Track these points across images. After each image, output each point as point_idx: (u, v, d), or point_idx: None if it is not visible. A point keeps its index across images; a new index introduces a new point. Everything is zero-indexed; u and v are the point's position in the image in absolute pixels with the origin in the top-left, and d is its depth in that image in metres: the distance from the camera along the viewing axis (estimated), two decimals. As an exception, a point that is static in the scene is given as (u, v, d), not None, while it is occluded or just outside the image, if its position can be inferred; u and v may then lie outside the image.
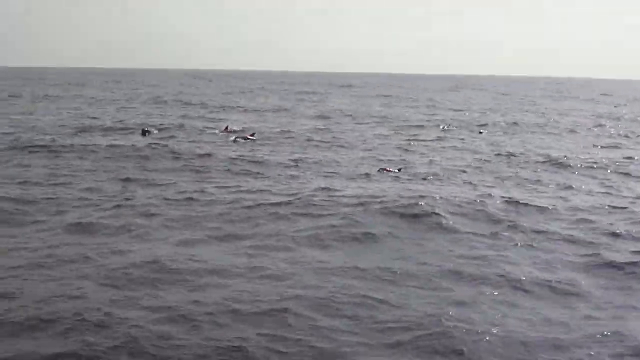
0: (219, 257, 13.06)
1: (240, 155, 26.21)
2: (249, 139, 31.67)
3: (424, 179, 22.43)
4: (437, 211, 16.69)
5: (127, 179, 20.91)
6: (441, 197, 18.76)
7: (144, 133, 32.56)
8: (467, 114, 55.64)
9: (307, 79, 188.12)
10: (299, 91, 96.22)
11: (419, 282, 12.01)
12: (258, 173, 22.77)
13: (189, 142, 30.46)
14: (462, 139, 35.72)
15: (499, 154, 29.01)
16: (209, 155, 26.05)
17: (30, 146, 26.67)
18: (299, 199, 18.20)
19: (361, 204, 17.45)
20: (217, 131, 35.03)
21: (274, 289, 11.36)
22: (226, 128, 34.90)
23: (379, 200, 17.95)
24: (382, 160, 26.49)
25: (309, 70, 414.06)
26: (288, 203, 17.60)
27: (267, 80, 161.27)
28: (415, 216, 16.40)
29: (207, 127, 36.78)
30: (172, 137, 32.14)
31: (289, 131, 35.93)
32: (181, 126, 36.77)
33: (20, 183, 19.87)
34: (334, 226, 15.51)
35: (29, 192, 18.44)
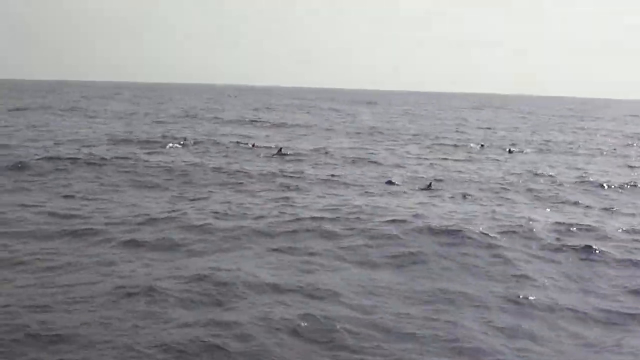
0: (271, 273, 13.11)
1: (281, 170, 26.41)
2: (282, 154, 31.88)
3: (464, 197, 22.43)
4: (482, 230, 16.68)
5: (172, 194, 21.11)
6: (484, 217, 18.79)
7: (181, 144, 33.42)
8: (496, 132, 55.59)
9: (331, 95, 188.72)
10: (325, 108, 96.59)
11: (472, 305, 11.85)
12: (298, 188, 22.82)
13: (225, 157, 30.71)
14: (496, 158, 35.59)
15: (535, 174, 28.88)
16: (248, 170, 26.22)
17: (69, 159, 26.85)
18: (341, 215, 18.25)
19: (403, 222, 17.45)
20: (250, 145, 35.36)
21: (329, 307, 11.34)
22: (253, 145, 35.14)
23: (421, 219, 17.97)
24: (419, 177, 26.51)
25: (329, 86, 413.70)
26: (332, 219, 17.61)
27: (293, 96, 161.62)
28: (459, 235, 16.25)
29: (240, 142, 37.00)
30: (206, 151, 32.46)
31: (324, 148, 36.10)
32: (216, 142, 36.97)
33: (65, 197, 20.07)
34: (378, 244, 15.51)
35: (76, 207, 18.59)
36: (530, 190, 24.55)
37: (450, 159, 34.10)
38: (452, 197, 22.42)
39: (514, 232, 16.98)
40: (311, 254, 14.73)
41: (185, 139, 36.45)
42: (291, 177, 25.03)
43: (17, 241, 14.70)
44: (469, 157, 36.08)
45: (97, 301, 11.08)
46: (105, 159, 27.54)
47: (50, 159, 26.65)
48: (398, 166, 30.30)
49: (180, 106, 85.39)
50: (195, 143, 35.66)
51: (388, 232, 16.54)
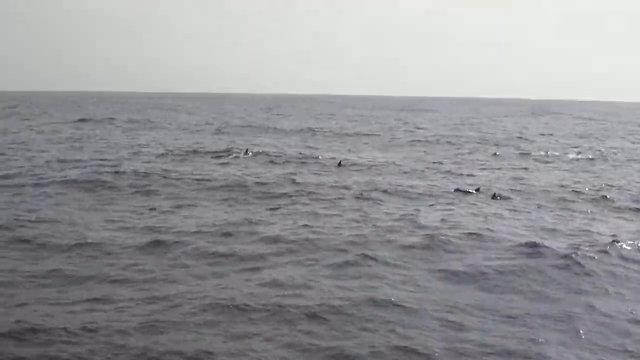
0: (356, 285, 13.21)
1: (355, 182, 26.54)
2: (341, 165, 31.98)
3: (538, 207, 22.24)
4: (560, 244, 16.37)
5: (252, 206, 21.40)
6: (561, 229, 18.59)
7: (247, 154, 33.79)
8: (558, 140, 54.77)
9: (360, 102, 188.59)
10: (375, 115, 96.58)
11: (567, 329, 11.55)
12: (382, 201, 22.74)
13: (295, 167, 31.10)
14: (564, 166, 35.17)
15: (608, 184, 28.21)
16: (317, 182, 26.43)
17: (144, 173, 27.29)
18: (415, 227, 18.41)
19: (478, 235, 17.48)
20: (319, 157, 35.19)
21: (417, 322, 11.42)
22: (318, 157, 33.79)
23: (495, 232, 17.96)
24: (489, 186, 26.23)
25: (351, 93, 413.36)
26: (425, 236, 17.33)
27: (335, 104, 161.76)
28: (538, 252, 15.88)
29: (302, 153, 37.23)
30: (272, 162, 32.88)
31: (389, 157, 36.03)
32: (280, 153, 37.31)
33: (149, 210, 20.49)
34: (457, 257, 15.50)
35: (159, 220, 19.02)
36: (605, 200, 24.09)
37: (519, 167, 33.77)
38: (525, 208, 22.18)
39: (592, 245, 16.63)
40: (388, 264, 14.77)
41: (247, 151, 36.85)
42: (375, 190, 24.90)
43: (110, 257, 15.09)
44: (536, 165, 35.61)
45: (198, 317, 11.28)
46: (179, 171, 28.10)
47: (123, 173, 27.08)
48: (469, 175, 30.10)
49: (239, 116, 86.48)
50: (257, 154, 36.01)
51: (464, 245, 16.56)
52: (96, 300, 12.18)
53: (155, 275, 13.76)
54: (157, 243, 16.22)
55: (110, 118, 70.40)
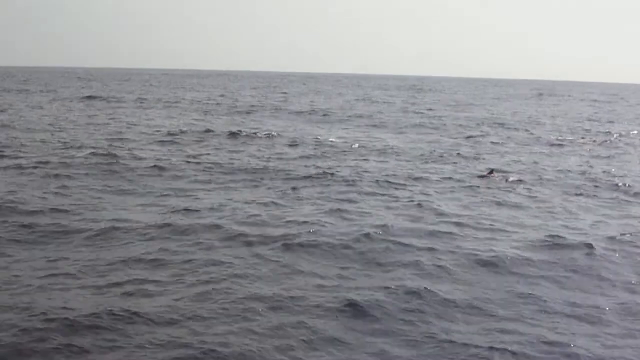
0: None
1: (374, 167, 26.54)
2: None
3: (570, 198, 21.90)
4: (595, 244, 15.86)
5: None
6: (590, 221, 18.52)
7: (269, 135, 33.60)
8: (572, 123, 54.61)
9: (364, 80, 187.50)
10: (380, 96, 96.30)
11: (595, 320, 11.58)
12: (403, 187, 22.76)
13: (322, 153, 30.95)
14: (583, 152, 35.02)
15: (634, 174, 27.64)
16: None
17: (164, 159, 26.90)
18: (450, 219, 18.32)
19: (510, 228, 17.48)
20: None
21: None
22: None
23: (525, 223, 18.01)
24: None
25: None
26: (448, 223, 17.49)
27: (341, 83, 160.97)
28: (561, 243, 15.88)
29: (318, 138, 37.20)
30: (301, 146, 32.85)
31: (404, 142, 36.03)
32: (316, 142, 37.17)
33: (178, 197, 20.26)
34: (494, 251, 15.33)
35: (194, 204, 19.02)
36: (623, 187, 23.94)
37: (534, 152, 33.76)
38: (543, 195, 22.14)
39: (615, 235, 16.64)
40: (414, 252, 14.75)
41: (271, 132, 36.85)
42: (379, 174, 25.06)
43: (142, 240, 15.11)
44: (550, 150, 35.48)
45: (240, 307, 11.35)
46: (204, 155, 28.12)
47: (142, 159, 26.74)
48: (483, 159, 30.09)
49: (247, 94, 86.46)
50: (273, 136, 36.02)
51: (486, 233, 16.66)
52: (136, 282, 12.31)
53: (201, 261, 13.71)
54: (196, 227, 16.13)
55: (115, 97, 70.35)
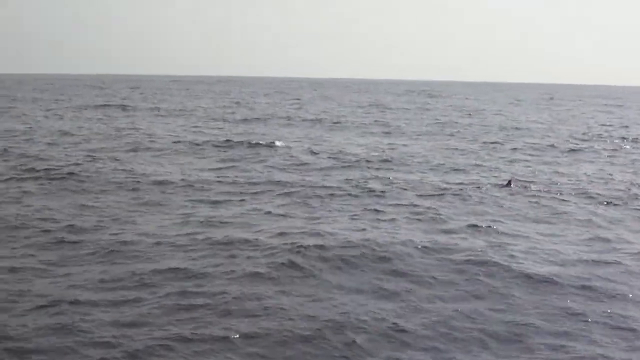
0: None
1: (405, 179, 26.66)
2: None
3: (602, 211, 21.53)
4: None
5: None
6: (625, 239, 18.23)
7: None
8: (593, 129, 54.45)
9: (375, 86, 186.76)
10: (393, 102, 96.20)
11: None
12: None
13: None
14: (609, 161, 34.74)
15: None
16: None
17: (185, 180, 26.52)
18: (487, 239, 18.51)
19: (545, 244, 17.65)
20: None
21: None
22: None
23: (559, 241, 18.01)
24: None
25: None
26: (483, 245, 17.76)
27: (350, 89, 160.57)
28: (599, 260, 15.79)
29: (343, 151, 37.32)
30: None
31: (424, 149, 36.32)
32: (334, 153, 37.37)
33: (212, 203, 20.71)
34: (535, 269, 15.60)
35: (221, 215, 19.29)
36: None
37: (558, 161, 33.65)
38: (572, 209, 21.82)
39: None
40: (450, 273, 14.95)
41: (290, 142, 37.04)
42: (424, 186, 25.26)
43: (183, 254, 15.28)
44: (575, 158, 35.46)
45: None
46: (229, 168, 28.35)
47: (169, 173, 27.14)
48: (505, 169, 30.20)
49: (263, 101, 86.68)
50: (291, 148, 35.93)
51: (523, 251, 16.63)
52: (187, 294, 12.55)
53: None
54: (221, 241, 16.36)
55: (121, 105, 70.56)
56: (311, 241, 16.16)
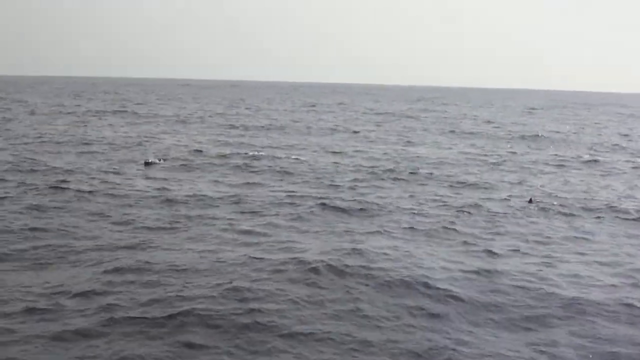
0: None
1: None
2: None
3: (625, 235, 20.96)
4: None
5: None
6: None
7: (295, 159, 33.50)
8: (612, 139, 54.34)
9: (370, 91, 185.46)
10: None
11: None
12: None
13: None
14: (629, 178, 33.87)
15: None
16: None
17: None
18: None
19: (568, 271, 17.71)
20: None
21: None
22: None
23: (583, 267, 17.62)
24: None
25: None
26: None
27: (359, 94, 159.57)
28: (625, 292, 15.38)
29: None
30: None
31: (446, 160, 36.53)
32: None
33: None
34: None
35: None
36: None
37: (580, 175, 33.57)
38: (591, 229, 21.40)
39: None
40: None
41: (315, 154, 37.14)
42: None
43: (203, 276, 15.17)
44: (598, 172, 35.15)
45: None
46: (265, 183, 28.16)
47: (219, 191, 26.86)
48: (526, 183, 29.92)
49: (282, 108, 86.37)
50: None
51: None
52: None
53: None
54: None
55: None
56: (353, 261, 16.34)
